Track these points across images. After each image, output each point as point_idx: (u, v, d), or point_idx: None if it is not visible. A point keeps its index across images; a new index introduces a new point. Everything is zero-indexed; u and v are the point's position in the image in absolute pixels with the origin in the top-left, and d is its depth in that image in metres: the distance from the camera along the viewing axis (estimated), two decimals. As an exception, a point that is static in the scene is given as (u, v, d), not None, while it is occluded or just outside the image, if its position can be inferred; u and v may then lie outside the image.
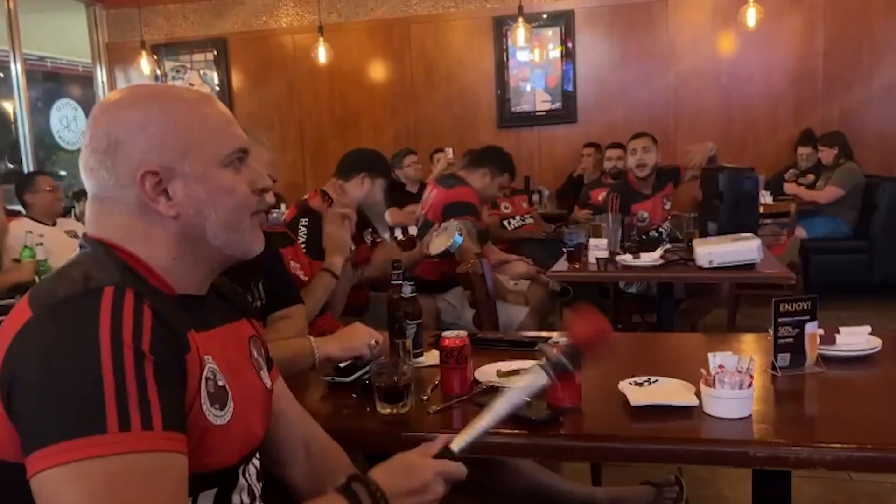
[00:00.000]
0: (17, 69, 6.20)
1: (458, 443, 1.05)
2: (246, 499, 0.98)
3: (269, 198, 1.03)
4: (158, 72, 6.87)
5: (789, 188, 5.32)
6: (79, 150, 0.97)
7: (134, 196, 0.91)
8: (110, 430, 0.75)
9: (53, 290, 0.84)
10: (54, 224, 3.98)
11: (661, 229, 3.72)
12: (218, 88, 6.88)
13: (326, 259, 2.24)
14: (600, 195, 4.83)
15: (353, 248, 2.41)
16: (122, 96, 0.96)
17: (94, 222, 0.95)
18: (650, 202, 3.97)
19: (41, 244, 3.45)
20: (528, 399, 1.10)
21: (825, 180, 5.27)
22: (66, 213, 4.60)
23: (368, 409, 1.38)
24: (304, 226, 2.45)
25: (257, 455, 1.05)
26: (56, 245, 3.66)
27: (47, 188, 4.02)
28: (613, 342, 1.15)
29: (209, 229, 0.94)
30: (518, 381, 1.11)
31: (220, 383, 0.91)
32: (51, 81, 7.83)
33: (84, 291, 0.83)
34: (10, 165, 7.12)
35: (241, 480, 0.97)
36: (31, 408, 0.77)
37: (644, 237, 3.24)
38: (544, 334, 1.89)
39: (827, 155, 5.30)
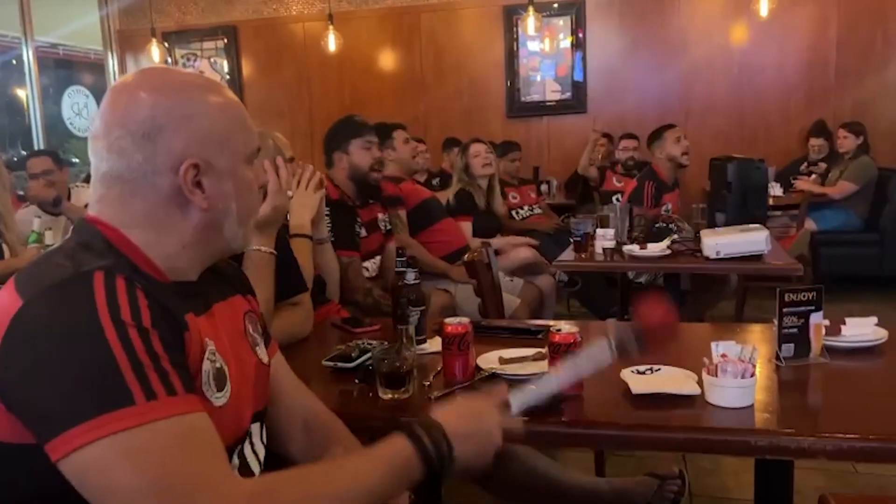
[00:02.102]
0: (29, 56, 6.24)
1: (515, 401, 1.09)
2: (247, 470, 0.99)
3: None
4: (169, 59, 6.89)
5: (801, 184, 5.26)
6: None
7: (167, 184, 0.90)
8: (138, 401, 0.76)
9: (41, 275, 0.84)
10: (56, 206, 3.60)
11: (677, 223, 3.70)
12: (228, 76, 6.89)
13: (293, 222, 2.07)
14: (623, 183, 4.81)
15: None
16: (164, 81, 0.93)
17: (103, 203, 0.92)
18: (674, 194, 3.96)
19: (50, 228, 3.45)
20: (590, 371, 1.15)
21: (839, 172, 5.22)
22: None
23: (371, 395, 1.39)
24: (326, 215, 2.41)
25: (263, 433, 1.05)
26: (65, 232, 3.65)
27: (38, 171, 3.62)
28: (677, 333, 1.20)
29: (227, 223, 0.97)
30: (583, 353, 1.15)
31: (219, 365, 0.92)
32: (62, 68, 7.86)
33: (74, 276, 0.82)
34: (23, 152, 7.16)
35: (234, 460, 0.98)
36: (45, 392, 0.77)
37: (656, 227, 3.22)
38: (546, 323, 1.89)
39: (848, 142, 5.22)
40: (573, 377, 1.14)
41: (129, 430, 0.75)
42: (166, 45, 6.80)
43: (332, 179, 2.68)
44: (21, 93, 6.83)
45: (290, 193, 1.87)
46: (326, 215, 2.37)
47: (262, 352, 1.08)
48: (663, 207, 3.81)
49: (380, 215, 2.86)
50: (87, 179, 4.38)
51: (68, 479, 0.77)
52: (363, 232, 2.71)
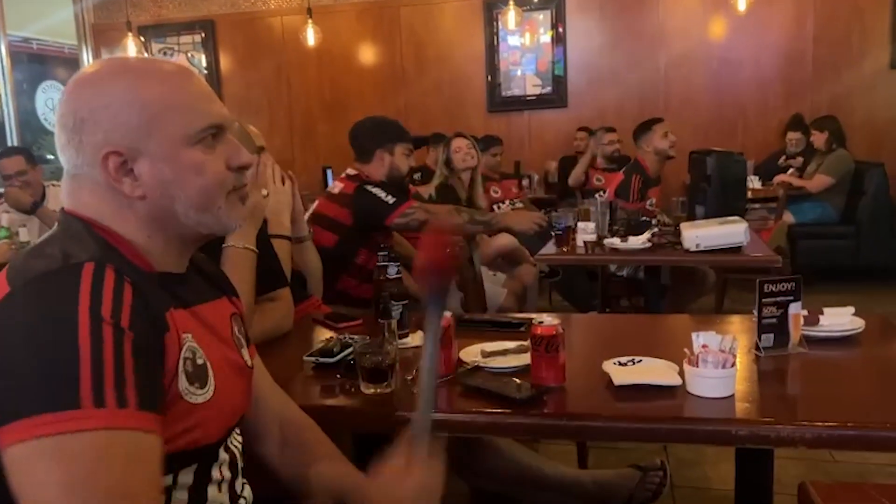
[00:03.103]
0: (1, 50, 6.13)
1: (413, 427, 0.98)
2: (227, 473, 0.98)
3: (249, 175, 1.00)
4: (145, 54, 6.80)
5: (780, 177, 5.32)
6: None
7: (102, 175, 0.90)
8: (84, 405, 0.74)
9: (32, 265, 0.83)
10: (32, 212, 3.55)
11: (660, 217, 3.72)
12: (206, 71, 6.82)
13: (272, 221, 1.95)
14: (604, 180, 4.83)
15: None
16: (92, 71, 0.94)
17: (69, 198, 0.94)
18: (658, 189, 3.98)
19: (25, 226, 3.40)
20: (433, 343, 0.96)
21: (816, 165, 5.28)
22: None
23: (353, 390, 1.38)
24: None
25: (237, 434, 1.04)
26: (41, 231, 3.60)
27: (12, 172, 3.58)
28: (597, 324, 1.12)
29: (180, 209, 0.92)
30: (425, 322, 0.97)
31: (200, 361, 0.90)
32: (36, 63, 7.72)
33: (64, 267, 0.81)
34: (-5, 148, 7.04)
35: (223, 455, 0.97)
36: (5, 381, 0.76)
37: (642, 220, 3.24)
38: (531, 315, 1.90)
39: (818, 139, 5.29)
40: (430, 358, 0.95)
41: (65, 434, 0.72)
42: (142, 39, 6.70)
43: (366, 174, 2.71)
44: (-7, 88, 6.70)
45: (264, 192, 1.79)
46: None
47: (246, 355, 1.07)
48: (648, 202, 3.83)
49: None
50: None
51: (6, 473, 0.75)
52: None
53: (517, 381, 1.34)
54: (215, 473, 0.96)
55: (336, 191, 2.71)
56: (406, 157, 2.76)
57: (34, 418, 0.73)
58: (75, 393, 0.74)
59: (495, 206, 4.82)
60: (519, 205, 4.99)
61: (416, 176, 5.09)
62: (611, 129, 5.49)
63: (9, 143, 6.17)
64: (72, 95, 0.91)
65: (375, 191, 2.60)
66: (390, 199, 2.59)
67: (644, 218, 3.21)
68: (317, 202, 2.71)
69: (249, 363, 1.07)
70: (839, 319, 1.62)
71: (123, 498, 0.74)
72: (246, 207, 1.01)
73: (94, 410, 0.74)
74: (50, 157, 7.14)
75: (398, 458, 0.98)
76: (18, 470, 0.74)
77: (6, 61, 6.16)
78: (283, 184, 2.04)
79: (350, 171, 2.75)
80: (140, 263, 0.91)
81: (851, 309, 1.66)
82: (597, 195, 4.70)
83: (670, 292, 3.62)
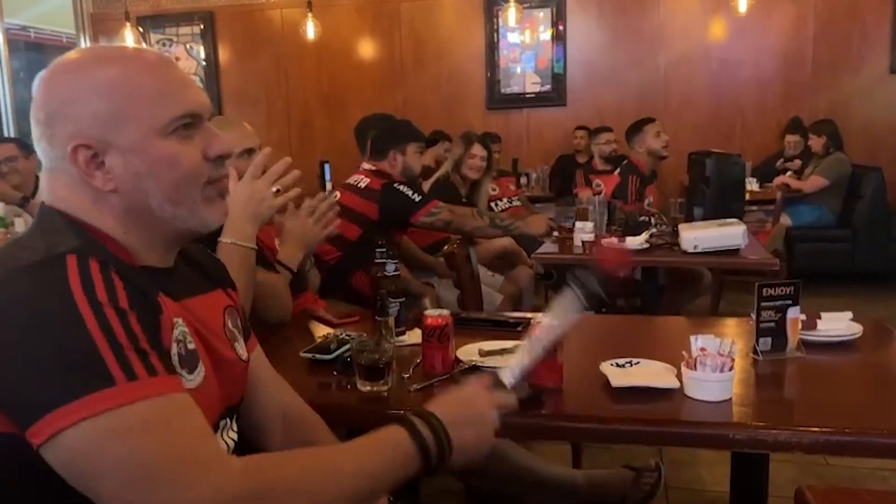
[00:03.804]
0: (-2, 39, 6.08)
1: (506, 376, 1.07)
2: None
3: (228, 167, 0.97)
4: (143, 45, 6.76)
5: (779, 180, 5.32)
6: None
7: (73, 169, 0.88)
8: (118, 381, 0.74)
9: (14, 256, 0.82)
10: (22, 206, 3.48)
11: (659, 216, 3.71)
12: (204, 63, 6.79)
13: (283, 250, 1.85)
14: (605, 179, 4.82)
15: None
16: (61, 63, 0.91)
17: (48, 192, 0.92)
18: (653, 187, 3.98)
19: (20, 216, 3.38)
20: (566, 326, 1.14)
21: (813, 168, 5.28)
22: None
23: (349, 387, 1.37)
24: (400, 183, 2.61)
25: (233, 427, 1.03)
26: None
27: (1, 159, 3.49)
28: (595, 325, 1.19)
29: (154, 203, 0.90)
30: (554, 310, 1.13)
31: (191, 346, 0.90)
32: (34, 52, 7.68)
33: (46, 258, 0.80)
34: (-8, 137, 7.00)
35: None
36: (20, 375, 0.74)
37: (640, 220, 3.23)
38: (525, 315, 1.89)
39: (816, 143, 5.30)
40: (553, 336, 1.12)
41: (112, 410, 0.73)
42: (141, 29, 6.67)
43: (379, 170, 2.79)
44: (-10, 76, 6.66)
45: (275, 188, 1.62)
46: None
47: (240, 348, 1.05)
48: (646, 201, 3.83)
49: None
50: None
51: (52, 464, 0.74)
52: None
53: (520, 358, 1.33)
54: None
55: (363, 185, 2.77)
56: (418, 156, 2.84)
57: (72, 404, 0.72)
58: (106, 372, 0.74)
59: (493, 204, 4.81)
60: (517, 202, 4.98)
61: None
62: (607, 129, 5.47)
63: (5, 132, 6.13)
64: (43, 88, 0.90)
65: (403, 188, 2.71)
66: (417, 197, 2.70)
67: (643, 218, 3.21)
68: (338, 193, 2.67)
69: (244, 356, 1.06)
70: (837, 324, 1.62)
71: (185, 457, 0.75)
72: (226, 203, 0.97)
73: (130, 384, 0.75)
74: (31, 151, 7.10)
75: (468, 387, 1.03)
76: (75, 458, 0.73)
77: (3, 50, 6.12)
78: (324, 227, 1.86)
79: (368, 166, 2.83)
80: (123, 256, 0.89)
81: (849, 314, 1.66)
82: (595, 196, 4.69)
83: (666, 293, 3.62)
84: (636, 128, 3.95)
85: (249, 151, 1.83)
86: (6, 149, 3.58)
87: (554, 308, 1.13)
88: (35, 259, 0.80)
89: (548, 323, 1.12)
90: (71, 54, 0.93)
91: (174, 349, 0.86)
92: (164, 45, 6.91)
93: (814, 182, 5.17)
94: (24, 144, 3.68)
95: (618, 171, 4.09)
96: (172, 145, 0.90)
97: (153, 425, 0.75)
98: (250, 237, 1.54)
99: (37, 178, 3.66)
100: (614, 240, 3.03)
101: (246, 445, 1.08)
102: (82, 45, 6.97)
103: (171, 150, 0.89)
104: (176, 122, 0.90)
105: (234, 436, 1.04)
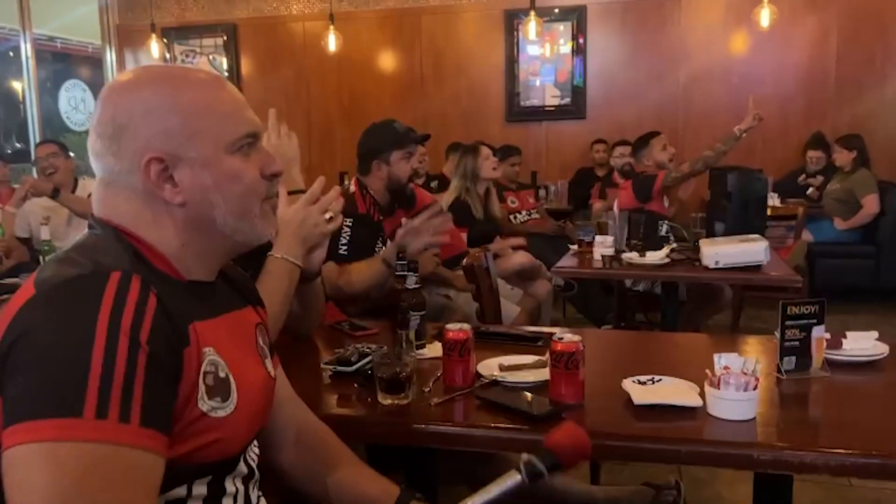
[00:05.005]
0: (26, 49, 6.20)
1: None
2: (240, 485, 0.97)
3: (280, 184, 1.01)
4: (168, 55, 6.86)
5: (841, 224, 5.16)
6: (87, 132, 0.96)
7: (140, 182, 0.90)
8: (86, 415, 0.73)
9: (60, 271, 0.83)
10: (54, 197, 3.59)
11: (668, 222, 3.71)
12: (227, 74, 6.86)
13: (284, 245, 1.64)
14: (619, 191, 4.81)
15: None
16: (129, 79, 0.94)
17: (102, 205, 0.94)
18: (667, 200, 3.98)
19: (46, 222, 3.44)
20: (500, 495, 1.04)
21: (838, 184, 5.21)
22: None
23: (370, 400, 1.37)
24: (347, 226, 2.31)
25: (255, 443, 1.04)
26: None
27: (43, 155, 3.73)
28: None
29: (218, 216, 0.93)
30: (492, 485, 1.04)
31: (223, 375, 0.89)
32: (60, 62, 7.81)
33: (91, 274, 0.81)
34: (18, 145, 7.12)
35: (240, 467, 0.97)
36: (16, 383, 0.75)
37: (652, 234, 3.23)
38: (545, 330, 1.88)
39: (844, 157, 5.21)
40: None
41: (63, 441, 0.72)
42: (165, 41, 6.77)
43: (366, 187, 2.55)
44: (17, 85, 6.79)
45: (328, 215, 1.63)
46: (347, 227, 2.30)
47: (270, 365, 1.06)
48: (664, 201, 3.83)
49: (403, 220, 2.75)
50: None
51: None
52: (384, 246, 2.48)
53: (535, 397, 1.33)
54: (229, 486, 0.95)
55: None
56: (405, 162, 2.55)
57: (35, 422, 0.72)
58: (80, 401, 0.73)
59: (512, 217, 4.82)
60: (535, 215, 4.98)
61: (434, 184, 5.09)
62: (625, 143, 5.45)
63: (31, 140, 6.25)
64: (109, 102, 0.92)
65: (346, 224, 2.31)
66: (342, 248, 2.32)
67: (661, 221, 3.20)
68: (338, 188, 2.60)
69: (272, 374, 1.07)
70: (862, 344, 1.59)
71: None
72: (276, 219, 1.02)
73: (96, 422, 0.73)
74: (70, 154, 7.21)
75: None
76: (10, 472, 0.73)
77: (31, 59, 6.23)
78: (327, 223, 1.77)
79: (355, 185, 2.61)
80: (169, 272, 0.91)
81: (875, 333, 1.63)
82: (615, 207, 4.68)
83: (687, 308, 3.60)
84: (643, 142, 4.03)
85: None
86: (48, 147, 3.84)
87: (497, 481, 1.05)
88: (80, 274, 0.82)
89: (484, 495, 1.03)
90: (134, 72, 0.96)
91: (201, 381, 0.86)
92: (187, 56, 7.01)
93: (871, 202, 5.03)
94: (63, 147, 3.94)
95: (631, 180, 4.10)
96: (237, 161, 0.94)
97: (89, 470, 0.72)
98: (298, 256, 1.59)
99: (76, 179, 3.86)
100: (634, 254, 3.01)
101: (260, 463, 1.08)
102: (108, 55, 7.08)
103: (236, 166, 0.94)
104: (242, 140, 0.94)
105: (257, 450, 1.04)
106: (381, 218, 2.56)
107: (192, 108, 0.91)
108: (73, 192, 3.77)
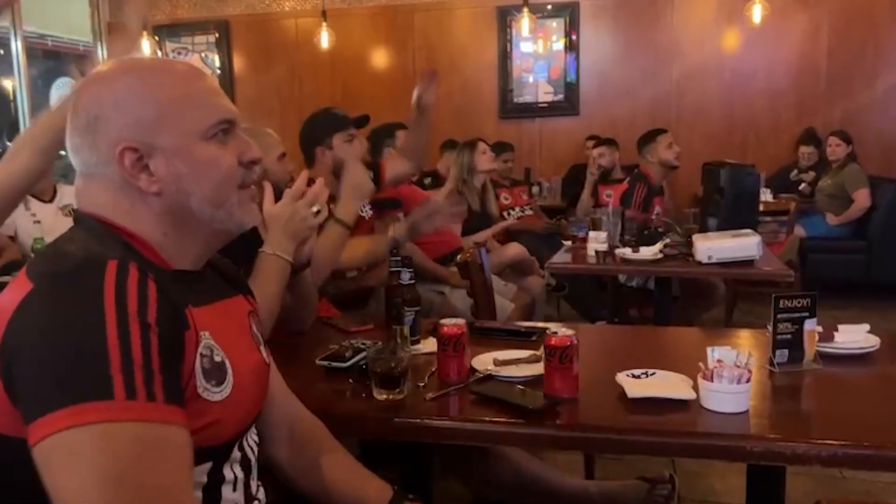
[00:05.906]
0: (17, 47, 6.16)
1: None
2: (240, 472, 0.98)
3: (259, 170, 1.00)
4: (160, 53, 6.83)
5: (833, 219, 5.22)
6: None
7: (116, 173, 0.90)
8: (117, 396, 0.74)
9: (54, 263, 0.84)
10: (51, 200, 3.66)
11: (668, 226, 3.71)
12: (219, 71, 6.84)
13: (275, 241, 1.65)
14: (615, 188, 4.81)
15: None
16: (102, 72, 0.95)
17: (83, 198, 0.94)
18: (662, 199, 3.98)
19: (38, 222, 3.42)
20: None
21: (830, 178, 5.25)
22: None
23: (364, 395, 1.38)
24: None
25: (254, 431, 1.04)
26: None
27: None
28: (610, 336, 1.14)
29: (195, 205, 0.93)
30: None
31: (218, 359, 0.90)
32: (51, 60, 7.77)
33: (86, 264, 0.82)
34: (9, 143, 7.08)
35: (236, 452, 0.97)
36: (34, 375, 0.75)
37: (646, 231, 3.23)
38: (540, 325, 1.89)
39: (839, 150, 5.25)
40: None
41: (101, 423, 0.73)
42: (157, 38, 6.74)
43: (313, 180, 2.54)
44: (8, 83, 6.75)
45: (315, 209, 1.65)
46: None
47: (264, 352, 1.07)
48: (654, 212, 3.82)
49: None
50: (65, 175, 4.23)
51: (38, 467, 0.74)
52: None
53: (530, 391, 1.34)
54: (227, 473, 0.95)
55: None
56: (348, 145, 2.53)
57: (71, 407, 0.73)
58: (109, 384, 0.74)
59: (505, 213, 4.82)
60: (529, 211, 4.99)
61: (427, 181, 5.09)
62: (607, 142, 5.33)
63: (22, 139, 6.20)
64: (82, 95, 0.93)
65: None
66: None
67: (658, 229, 3.21)
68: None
69: (267, 360, 1.08)
70: (854, 336, 1.61)
71: (156, 488, 0.75)
72: (257, 207, 1.01)
73: (127, 402, 0.74)
74: (62, 152, 7.17)
75: None
76: (54, 458, 0.73)
77: (22, 57, 6.19)
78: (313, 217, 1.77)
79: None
80: (157, 261, 0.91)
81: (866, 326, 1.65)
82: (606, 196, 4.68)
83: (680, 303, 3.61)
84: (649, 138, 3.95)
85: (281, 156, 2.15)
86: None
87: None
88: (75, 264, 0.82)
89: None
90: (107, 65, 0.96)
91: (198, 363, 0.87)
92: (179, 53, 6.98)
93: (862, 197, 5.07)
94: None
95: (627, 179, 4.09)
96: (213, 148, 0.94)
97: (132, 448, 0.74)
98: (289, 252, 1.61)
99: (54, 185, 3.74)
100: (628, 250, 3.03)
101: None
102: (99, 53, 7.04)
103: (212, 153, 0.93)
104: (216, 126, 0.94)
105: (256, 438, 1.05)
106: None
107: (165, 96, 0.92)
108: (52, 199, 3.70)
